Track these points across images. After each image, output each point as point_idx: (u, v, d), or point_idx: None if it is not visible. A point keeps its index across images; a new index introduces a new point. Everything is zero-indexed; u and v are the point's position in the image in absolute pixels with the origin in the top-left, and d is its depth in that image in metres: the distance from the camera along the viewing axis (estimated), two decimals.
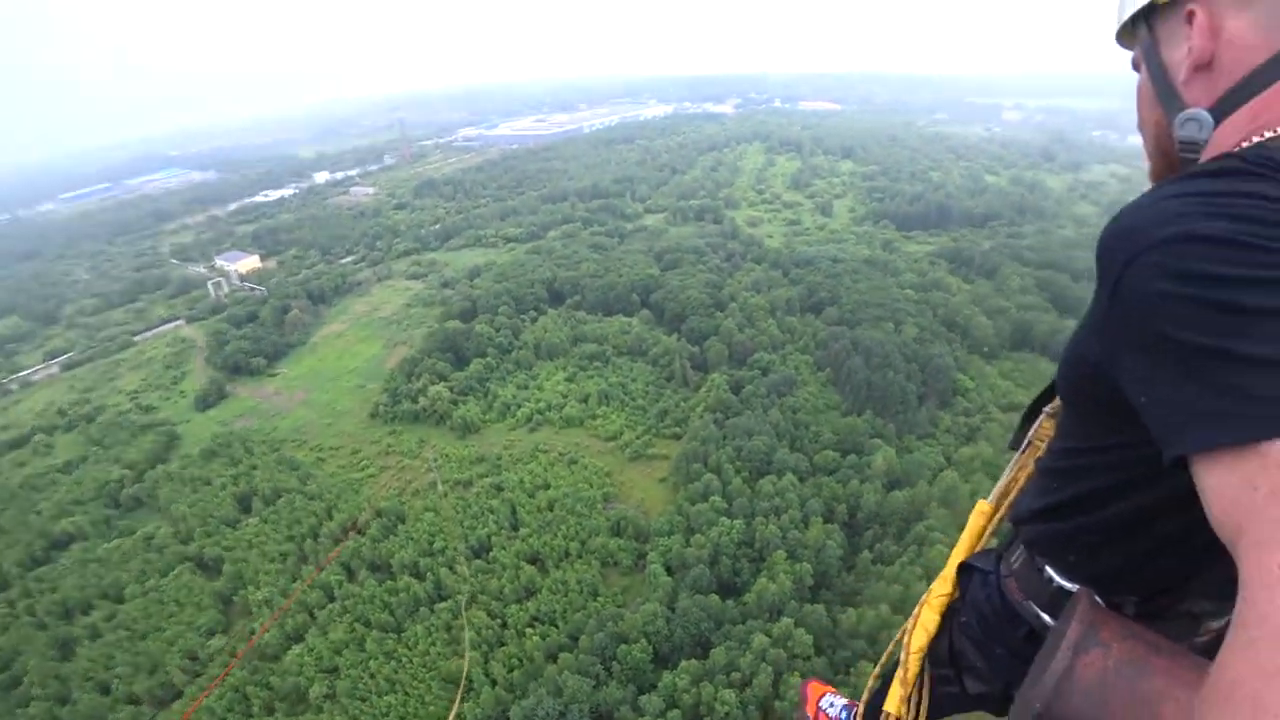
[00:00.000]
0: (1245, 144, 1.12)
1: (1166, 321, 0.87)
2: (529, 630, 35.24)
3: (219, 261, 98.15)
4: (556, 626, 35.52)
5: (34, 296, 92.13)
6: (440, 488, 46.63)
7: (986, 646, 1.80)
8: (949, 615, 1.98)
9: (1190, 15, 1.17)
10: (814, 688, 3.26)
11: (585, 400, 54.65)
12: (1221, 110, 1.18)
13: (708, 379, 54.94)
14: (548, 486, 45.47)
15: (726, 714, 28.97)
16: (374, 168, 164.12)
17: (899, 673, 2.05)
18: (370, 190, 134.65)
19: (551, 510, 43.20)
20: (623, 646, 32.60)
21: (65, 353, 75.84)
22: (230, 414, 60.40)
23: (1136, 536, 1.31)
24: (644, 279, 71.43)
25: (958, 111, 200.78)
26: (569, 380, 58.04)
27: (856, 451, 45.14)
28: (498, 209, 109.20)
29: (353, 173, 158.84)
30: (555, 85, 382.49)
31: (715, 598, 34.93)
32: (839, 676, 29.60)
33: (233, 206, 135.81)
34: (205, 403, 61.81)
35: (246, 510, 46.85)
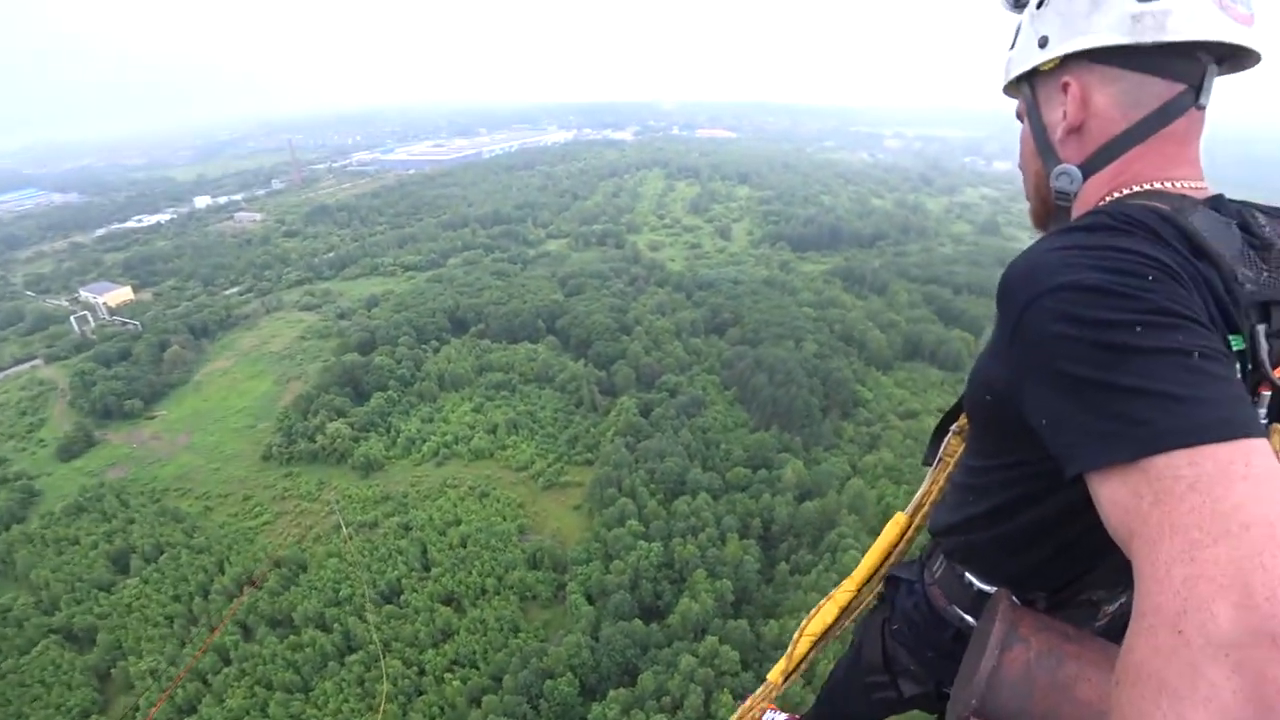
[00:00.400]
0: (1108, 198, 1.34)
1: (1060, 358, 1.00)
2: (448, 675, 33.67)
3: (84, 293, 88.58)
4: (478, 668, 34.15)
5: None
6: (344, 531, 44.16)
7: (918, 650, 1.95)
8: (882, 625, 2.10)
9: (1066, 85, 1.37)
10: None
11: (493, 431, 53.45)
12: (1089, 168, 1.39)
13: (617, 403, 55.11)
14: (459, 522, 43.92)
15: None
16: (261, 192, 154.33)
17: (789, 649, 2.23)
18: (257, 216, 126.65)
19: (464, 547, 41.70)
20: (549, 682, 31.78)
21: None
22: (100, 463, 54.79)
23: (1043, 542, 1.47)
24: (548, 305, 71.09)
25: (844, 139, 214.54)
26: (476, 411, 56.63)
27: (766, 466, 46.41)
28: (395, 236, 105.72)
29: (237, 197, 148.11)
30: (452, 109, 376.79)
31: (639, 623, 34.77)
32: None
33: (100, 232, 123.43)
34: (69, 452, 55.74)
35: (123, 571, 42.41)
